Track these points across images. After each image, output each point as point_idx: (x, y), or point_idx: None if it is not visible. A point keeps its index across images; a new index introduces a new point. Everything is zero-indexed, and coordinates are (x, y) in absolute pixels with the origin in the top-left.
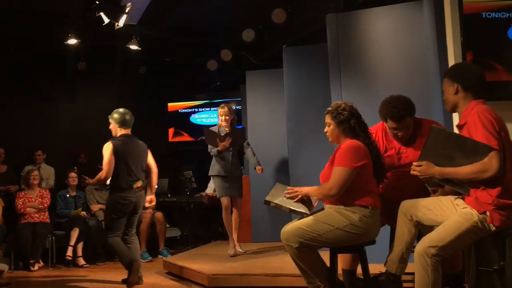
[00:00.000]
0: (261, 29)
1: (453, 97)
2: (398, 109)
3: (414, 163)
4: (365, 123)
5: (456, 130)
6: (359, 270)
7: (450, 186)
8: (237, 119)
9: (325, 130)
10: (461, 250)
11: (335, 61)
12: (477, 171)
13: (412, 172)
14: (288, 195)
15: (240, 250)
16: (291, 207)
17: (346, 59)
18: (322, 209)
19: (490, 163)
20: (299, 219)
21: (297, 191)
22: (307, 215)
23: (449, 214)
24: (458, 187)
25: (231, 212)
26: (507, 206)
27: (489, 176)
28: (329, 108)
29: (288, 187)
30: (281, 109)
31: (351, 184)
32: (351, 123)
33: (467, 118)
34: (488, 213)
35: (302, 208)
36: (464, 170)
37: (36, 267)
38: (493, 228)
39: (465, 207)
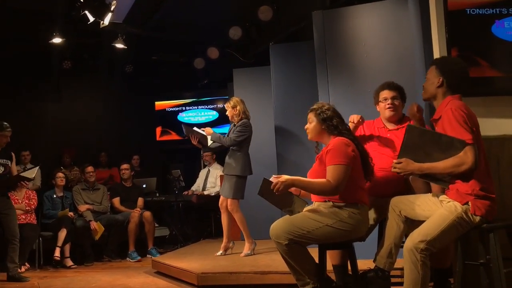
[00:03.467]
0: (248, 26)
1: (434, 89)
2: (390, 82)
3: (394, 161)
4: (347, 124)
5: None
6: (347, 266)
7: (430, 181)
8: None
9: (306, 127)
10: (451, 245)
11: (322, 58)
12: (454, 164)
13: (392, 170)
14: (275, 191)
15: (248, 252)
16: (280, 205)
17: (333, 56)
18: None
19: (465, 157)
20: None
21: (279, 183)
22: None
23: (435, 209)
24: (438, 182)
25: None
26: (485, 197)
27: (465, 169)
28: (313, 107)
29: (273, 182)
30: (269, 106)
31: None
32: (334, 122)
33: (442, 113)
34: (470, 203)
35: (294, 204)
36: (442, 165)
37: (23, 269)
38: (477, 219)
39: (449, 201)
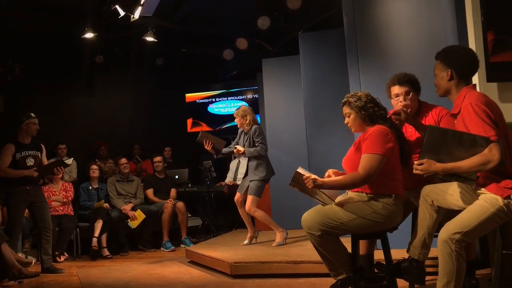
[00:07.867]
0: (276, 15)
1: (447, 83)
2: (401, 75)
3: (416, 162)
4: (382, 107)
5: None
6: (381, 255)
7: (455, 181)
8: (253, 111)
9: (346, 122)
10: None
11: (352, 45)
12: (479, 163)
13: (414, 171)
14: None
15: (280, 241)
16: (312, 195)
17: (363, 43)
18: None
19: (491, 154)
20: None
21: (310, 179)
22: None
23: (470, 199)
24: (465, 181)
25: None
26: None
27: (491, 167)
28: (344, 99)
29: (305, 175)
30: (299, 96)
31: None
32: (370, 109)
33: (461, 108)
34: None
35: (323, 198)
36: (466, 164)
37: (62, 259)
38: None
39: (489, 194)
